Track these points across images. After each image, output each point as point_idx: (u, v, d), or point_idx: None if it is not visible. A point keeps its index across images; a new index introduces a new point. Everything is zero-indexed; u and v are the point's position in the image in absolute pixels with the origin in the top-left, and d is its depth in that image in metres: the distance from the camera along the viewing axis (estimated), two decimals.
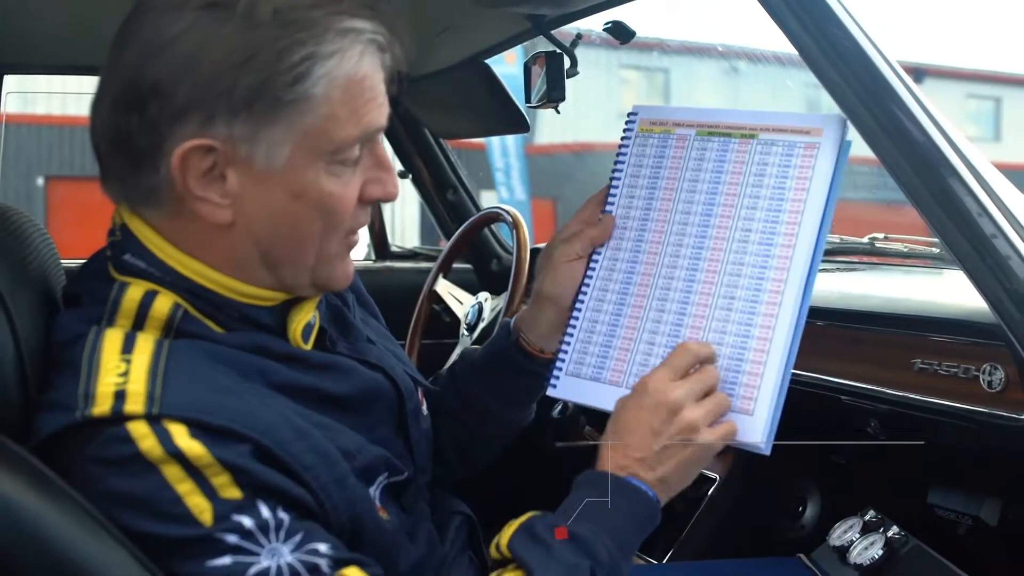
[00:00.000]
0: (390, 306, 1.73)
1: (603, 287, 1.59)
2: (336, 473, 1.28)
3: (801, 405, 1.88)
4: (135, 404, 1.18)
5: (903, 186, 1.44)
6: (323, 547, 1.22)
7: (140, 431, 1.17)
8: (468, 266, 3.52)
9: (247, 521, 1.18)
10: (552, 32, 2.19)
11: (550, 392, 1.60)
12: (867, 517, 1.90)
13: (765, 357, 1.43)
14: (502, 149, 14.71)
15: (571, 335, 1.60)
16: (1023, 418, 1.63)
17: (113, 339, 1.25)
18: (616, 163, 1.64)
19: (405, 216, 15.21)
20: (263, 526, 1.19)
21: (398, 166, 3.58)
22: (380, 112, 1.32)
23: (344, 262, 1.39)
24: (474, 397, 1.71)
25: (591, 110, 17.85)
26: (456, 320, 3.06)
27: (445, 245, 3.20)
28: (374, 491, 1.37)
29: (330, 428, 1.31)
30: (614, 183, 1.63)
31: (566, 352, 1.59)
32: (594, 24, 2.17)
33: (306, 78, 1.24)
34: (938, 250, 2.70)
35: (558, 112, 2.27)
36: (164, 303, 1.29)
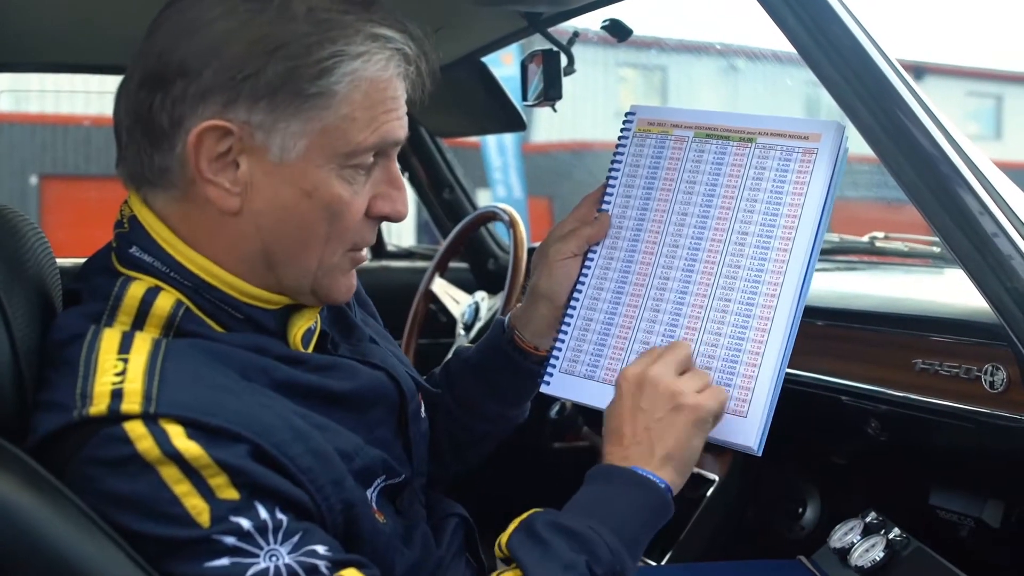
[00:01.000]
0: (386, 306, 1.72)
1: (598, 285, 1.59)
2: (333, 475, 1.27)
3: (801, 406, 1.87)
4: (132, 403, 1.17)
5: (904, 185, 1.44)
6: (321, 548, 1.21)
7: (137, 431, 1.16)
8: (464, 265, 3.52)
9: (245, 522, 1.17)
10: (549, 30, 2.18)
11: (543, 389, 1.60)
12: (868, 519, 1.89)
13: (760, 360, 1.42)
14: (499, 147, 14.71)
15: (565, 333, 1.59)
16: None
17: (111, 339, 1.25)
18: (613, 162, 1.63)
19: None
20: (261, 527, 1.18)
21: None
22: (399, 125, 1.34)
23: (347, 276, 1.39)
24: (468, 394, 1.70)
25: (588, 108, 17.88)
26: (453, 320, 3.05)
27: (441, 244, 3.19)
28: (371, 493, 1.36)
29: (329, 429, 1.31)
30: (611, 182, 1.62)
31: (560, 350, 1.59)
32: (591, 22, 2.16)
33: (331, 73, 1.26)
34: (938, 249, 2.70)
35: (555, 110, 2.25)
36: (166, 300, 1.29)
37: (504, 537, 1.34)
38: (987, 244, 1.42)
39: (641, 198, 1.59)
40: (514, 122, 2.97)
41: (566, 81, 2.21)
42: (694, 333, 1.48)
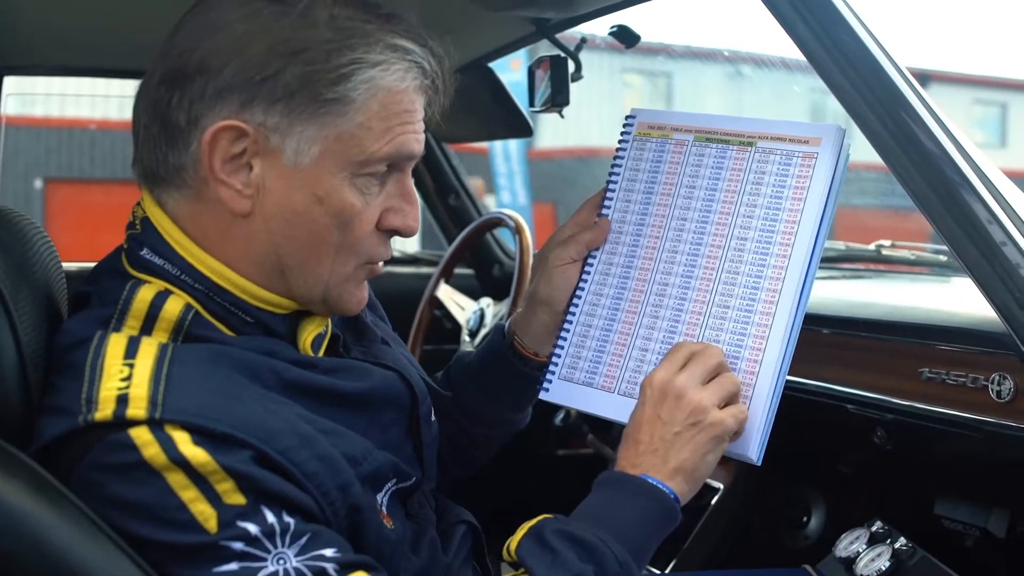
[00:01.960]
0: (391, 311, 1.72)
1: (598, 291, 1.58)
2: (340, 480, 1.27)
3: (807, 414, 1.86)
4: (137, 409, 1.17)
5: (912, 193, 1.43)
6: (329, 551, 1.21)
7: (143, 438, 1.16)
8: (470, 271, 3.51)
9: (252, 527, 1.17)
10: (556, 36, 2.18)
11: (542, 396, 1.60)
12: (874, 528, 1.88)
13: (758, 368, 1.42)
14: (504, 153, 14.72)
15: (564, 339, 1.59)
16: None
17: (117, 344, 1.24)
18: (613, 166, 1.63)
19: None
20: (269, 532, 1.18)
21: None
22: (414, 139, 1.35)
23: (359, 288, 1.39)
24: (468, 398, 1.70)
25: (593, 114, 17.88)
26: (458, 326, 3.05)
27: (447, 250, 3.19)
28: (382, 497, 1.36)
29: (336, 433, 1.30)
30: (611, 187, 1.62)
31: (559, 356, 1.59)
32: (599, 28, 2.16)
33: (348, 80, 1.27)
34: (945, 258, 2.69)
35: (562, 116, 2.25)
36: (175, 305, 1.29)
37: (513, 542, 1.34)
38: (995, 253, 1.41)
39: (641, 202, 1.58)
40: (521, 128, 2.97)
41: (572, 87, 2.20)
42: (691, 340, 1.47)
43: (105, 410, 1.17)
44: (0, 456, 1.16)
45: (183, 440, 1.16)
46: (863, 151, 1.52)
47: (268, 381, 1.28)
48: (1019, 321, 1.43)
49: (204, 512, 1.16)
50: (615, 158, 1.63)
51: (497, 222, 3.03)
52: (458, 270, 3.17)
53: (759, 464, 1.40)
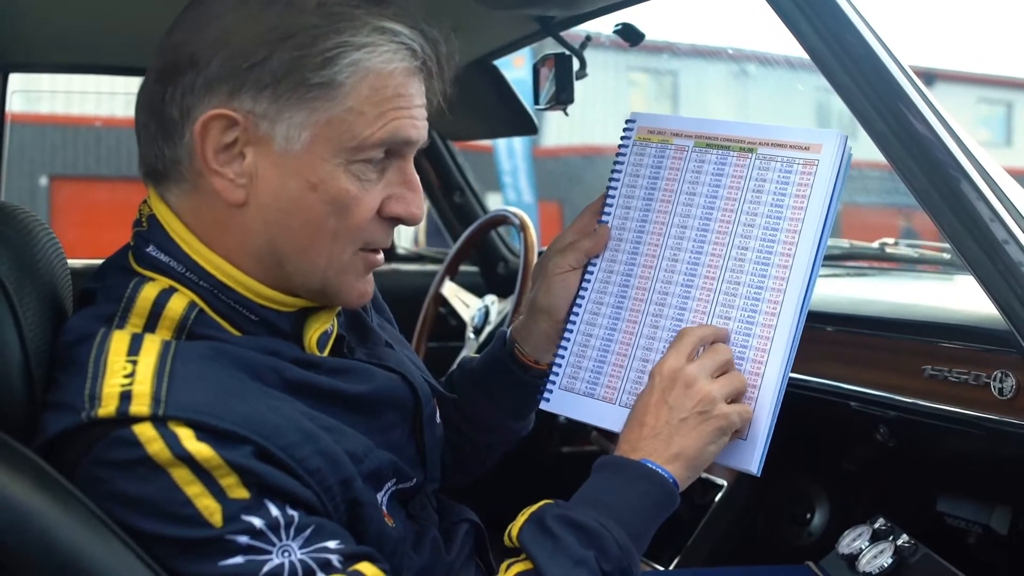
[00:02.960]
0: (396, 309, 1.72)
1: (598, 300, 1.57)
2: (342, 475, 1.27)
3: (810, 411, 1.87)
4: (141, 405, 1.17)
5: (915, 191, 1.43)
6: (333, 543, 1.22)
7: (147, 434, 1.16)
8: (475, 269, 3.51)
9: (257, 521, 1.18)
10: (561, 34, 2.18)
11: (543, 406, 1.59)
12: (877, 525, 1.88)
13: (760, 381, 1.41)
14: (509, 151, 14.71)
15: (565, 348, 1.57)
16: None
17: (120, 341, 1.25)
18: (613, 172, 1.61)
19: None
20: (273, 525, 1.18)
21: None
22: (410, 124, 1.33)
23: (360, 280, 1.38)
24: (471, 406, 1.70)
25: (599, 113, 17.87)
26: (462, 323, 3.05)
27: (452, 247, 3.19)
28: (382, 497, 1.36)
29: (337, 431, 1.30)
30: (611, 192, 1.60)
31: (560, 366, 1.57)
32: (603, 26, 2.16)
33: (335, 63, 1.26)
34: (948, 255, 2.69)
35: (567, 114, 2.25)
36: (179, 302, 1.29)
37: (515, 528, 1.35)
38: (997, 251, 1.41)
39: (641, 209, 1.56)
40: (526, 125, 2.97)
41: (577, 85, 2.21)
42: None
43: (108, 406, 1.18)
44: (5, 452, 1.17)
45: (187, 436, 1.17)
46: (867, 150, 1.52)
47: (269, 380, 1.28)
48: (1021, 319, 1.43)
49: (209, 507, 1.16)
50: (615, 163, 1.61)
51: (502, 220, 3.03)
52: (463, 267, 3.17)
53: (759, 475, 1.40)
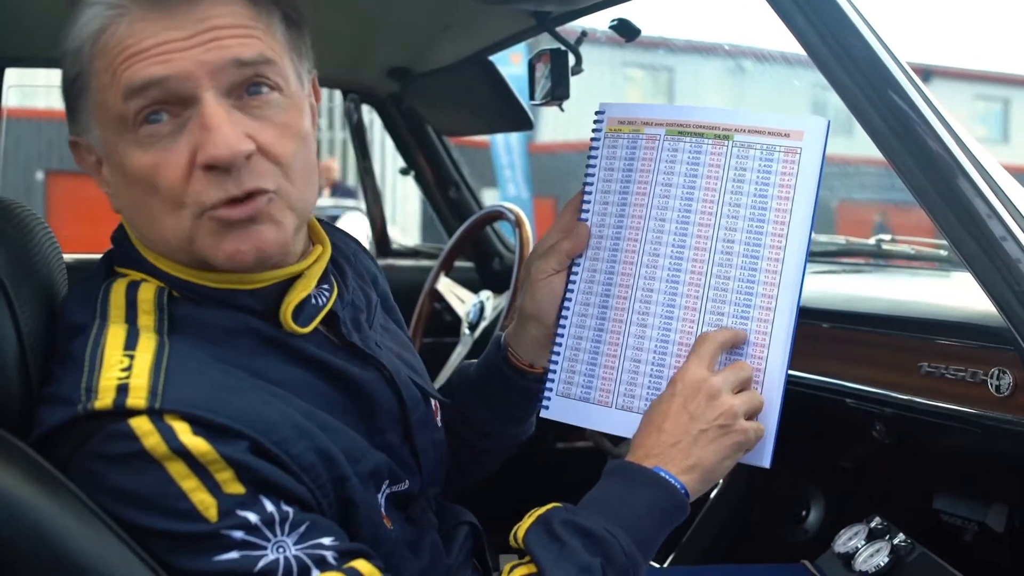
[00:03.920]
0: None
1: (584, 301, 1.53)
2: (335, 473, 1.27)
3: (806, 408, 1.86)
4: (137, 398, 1.17)
5: (912, 188, 1.43)
6: (327, 540, 1.22)
7: (143, 428, 1.16)
8: (470, 264, 3.51)
9: (252, 516, 1.18)
10: (557, 29, 2.17)
11: (543, 414, 1.56)
12: (873, 524, 1.88)
13: (762, 376, 1.40)
14: (505, 147, 14.69)
15: (558, 353, 1.54)
16: None
17: (116, 335, 1.25)
18: (588, 167, 1.56)
19: (407, 211, 15.18)
20: (268, 520, 1.18)
21: (400, 163, 3.57)
22: (148, 63, 1.23)
23: (222, 239, 1.27)
24: (470, 411, 1.68)
25: (594, 108, 17.82)
26: (457, 319, 3.05)
27: (447, 243, 3.19)
28: (381, 498, 1.36)
29: (334, 430, 1.30)
30: (587, 188, 1.55)
31: (555, 372, 1.54)
32: (599, 22, 2.16)
33: (79, 53, 1.28)
34: (945, 252, 2.69)
35: (562, 110, 2.25)
36: (147, 290, 1.31)
37: (521, 530, 1.33)
38: (995, 247, 1.41)
39: (618, 203, 1.52)
40: (521, 121, 2.97)
41: (573, 81, 2.20)
42: (686, 350, 1.43)
43: (105, 399, 1.18)
44: (0, 445, 1.16)
45: (183, 430, 1.17)
46: (862, 146, 1.51)
47: (260, 379, 1.27)
48: (1019, 316, 1.42)
49: (204, 501, 1.16)
50: (588, 158, 1.57)
51: (497, 215, 3.03)
52: (458, 263, 3.17)
53: (769, 468, 1.40)
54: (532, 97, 2.27)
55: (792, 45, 1.46)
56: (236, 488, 1.18)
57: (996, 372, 1.65)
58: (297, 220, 1.32)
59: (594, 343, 1.51)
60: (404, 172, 3.60)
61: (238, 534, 1.17)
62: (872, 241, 2.91)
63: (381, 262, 3.64)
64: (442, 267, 3.08)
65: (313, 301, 1.38)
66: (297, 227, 1.33)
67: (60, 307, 1.37)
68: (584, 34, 2.22)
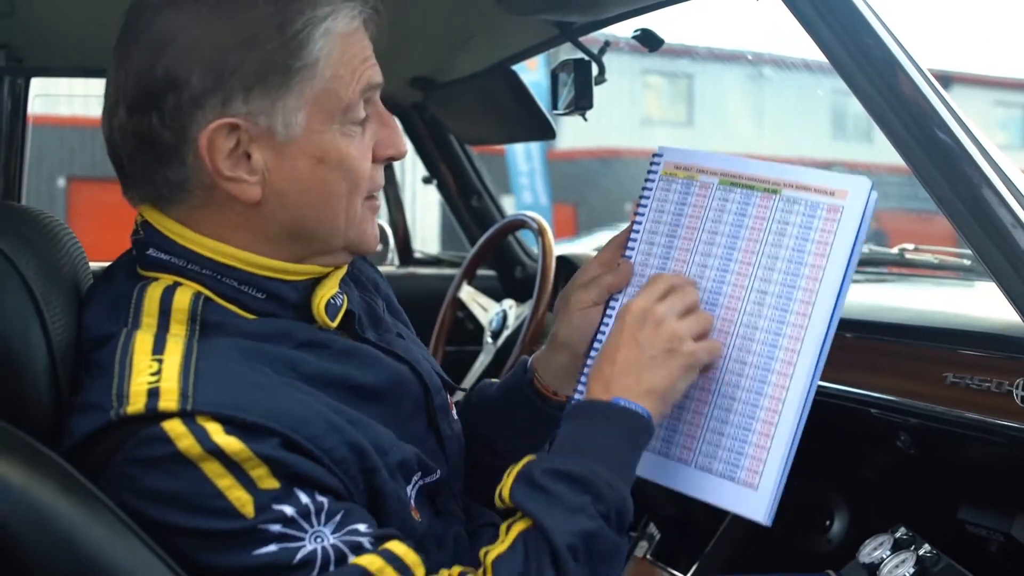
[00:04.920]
0: (413, 312, 1.71)
1: None
2: (366, 464, 1.29)
3: (831, 418, 1.86)
4: (169, 401, 1.19)
5: (936, 197, 1.43)
6: (363, 526, 1.24)
7: (177, 430, 1.18)
8: (492, 273, 3.51)
9: (288, 509, 1.20)
10: (580, 39, 2.18)
11: None
12: (898, 534, 1.87)
13: (773, 430, 1.38)
14: (525, 154, 14.72)
15: (584, 383, 1.53)
16: None
17: (144, 341, 1.27)
18: (639, 206, 1.57)
19: (426, 221, 15.21)
20: (304, 512, 1.21)
21: (423, 172, 3.57)
22: (376, 71, 1.38)
23: (371, 224, 1.42)
24: (486, 429, 1.68)
25: (614, 116, 17.86)
26: (480, 327, 3.05)
27: (469, 251, 3.19)
28: (411, 490, 1.38)
29: (362, 424, 1.32)
30: (635, 227, 1.57)
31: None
32: (622, 31, 2.16)
33: (308, 42, 1.30)
34: (969, 261, 2.68)
35: (585, 119, 2.25)
36: (184, 295, 1.31)
37: (505, 489, 1.34)
38: (1020, 257, 1.40)
39: (663, 245, 1.53)
40: (544, 130, 2.96)
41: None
42: (708, 395, 1.44)
43: (137, 403, 1.19)
44: (32, 456, 1.17)
45: (216, 430, 1.19)
46: (887, 154, 1.51)
47: (287, 374, 1.30)
48: None
49: (241, 498, 1.19)
50: (641, 197, 1.58)
51: (520, 224, 3.03)
52: (480, 272, 3.17)
53: (769, 525, 1.39)
54: (555, 106, 2.27)
55: (814, 52, 1.46)
56: (271, 483, 1.20)
57: (1021, 382, 1.64)
58: None
59: None
60: (427, 181, 3.61)
61: (275, 527, 1.19)
62: (895, 250, 2.90)
63: (403, 270, 3.65)
64: (464, 275, 3.09)
65: (333, 301, 1.42)
66: None
67: (83, 315, 1.37)
68: (607, 44, 2.22)
